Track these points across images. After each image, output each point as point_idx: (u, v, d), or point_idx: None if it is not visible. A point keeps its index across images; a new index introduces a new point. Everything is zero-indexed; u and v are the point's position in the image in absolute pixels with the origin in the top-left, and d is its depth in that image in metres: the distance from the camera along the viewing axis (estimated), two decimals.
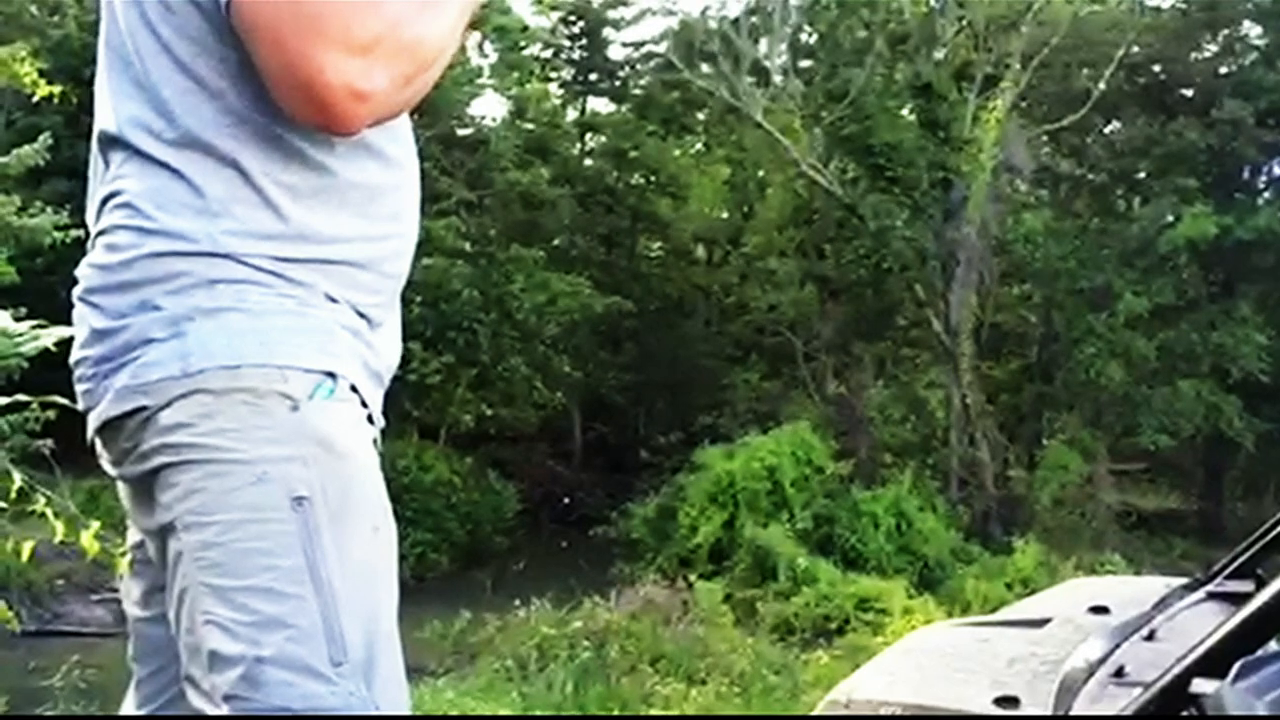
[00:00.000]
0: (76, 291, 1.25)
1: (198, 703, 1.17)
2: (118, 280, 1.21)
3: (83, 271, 1.25)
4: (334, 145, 1.24)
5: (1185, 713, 1.50)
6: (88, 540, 4.16)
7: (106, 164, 1.27)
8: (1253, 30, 19.51)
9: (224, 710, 1.13)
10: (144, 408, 1.18)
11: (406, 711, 1.22)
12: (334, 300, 1.25)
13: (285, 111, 1.18)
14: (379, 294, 1.31)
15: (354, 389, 1.24)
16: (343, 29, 1.12)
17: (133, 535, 1.37)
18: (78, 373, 1.25)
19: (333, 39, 1.11)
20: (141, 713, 1.36)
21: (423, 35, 1.18)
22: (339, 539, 1.16)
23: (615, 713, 9.32)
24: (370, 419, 1.29)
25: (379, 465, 1.29)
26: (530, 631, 10.65)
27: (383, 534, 1.23)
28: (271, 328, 1.19)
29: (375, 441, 1.31)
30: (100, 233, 1.25)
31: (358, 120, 1.16)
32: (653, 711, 9.29)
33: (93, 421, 1.23)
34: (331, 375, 1.21)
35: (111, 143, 1.25)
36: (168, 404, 1.17)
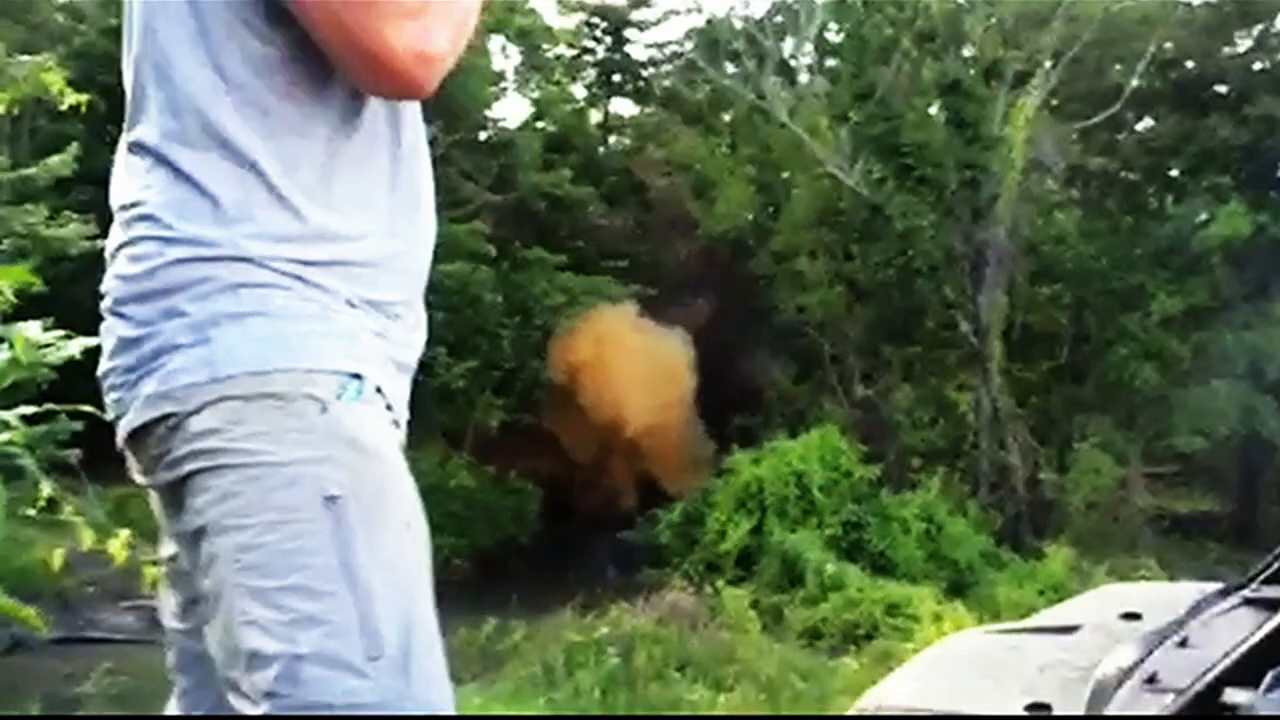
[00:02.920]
0: (104, 304, 1.28)
1: (238, 704, 1.19)
2: (143, 289, 1.23)
3: (108, 284, 1.28)
4: (350, 140, 1.27)
5: None
6: (116, 548, 4.19)
7: (130, 170, 1.29)
8: None
9: (264, 707, 1.16)
10: (173, 414, 1.20)
11: (449, 708, 1.24)
12: (354, 305, 1.27)
13: (360, 87, 1.23)
14: (400, 290, 1.34)
15: (379, 391, 1.27)
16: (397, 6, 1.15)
17: (166, 548, 1.39)
18: (107, 382, 1.28)
19: (387, 8, 1.15)
20: None
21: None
22: (372, 536, 1.19)
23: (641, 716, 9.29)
24: (396, 422, 1.31)
25: (406, 465, 1.31)
26: (557, 637, 10.66)
27: (415, 531, 1.26)
28: (295, 332, 1.22)
29: (401, 442, 1.34)
30: (123, 244, 1.27)
31: (428, 82, 1.21)
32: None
33: (122, 430, 1.26)
34: (357, 376, 1.24)
35: (135, 148, 1.28)
36: (197, 410, 1.19)
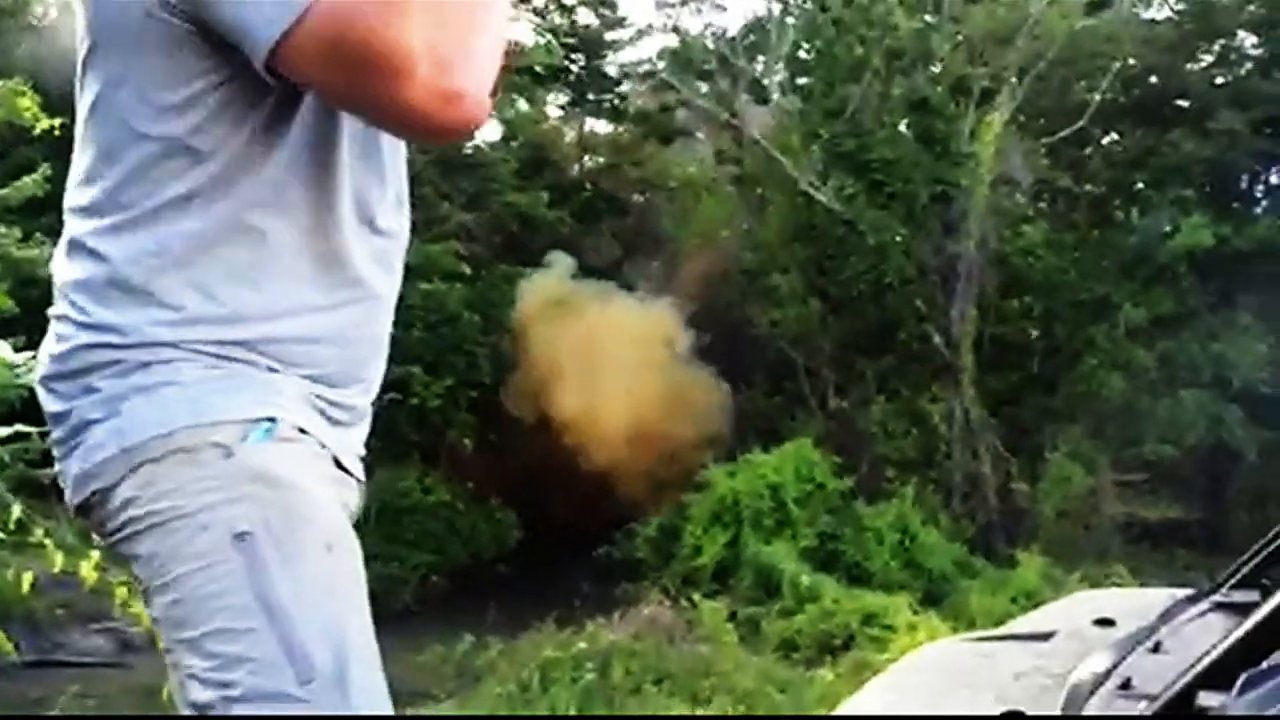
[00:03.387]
0: (36, 375, 1.31)
1: None
2: (65, 368, 1.26)
3: (40, 357, 1.31)
4: (284, 211, 1.23)
5: None
6: (87, 570, 4.15)
7: (65, 237, 1.31)
8: (1247, 40, 19.60)
9: None
10: (98, 490, 1.23)
11: (386, 711, 1.24)
12: (276, 370, 1.26)
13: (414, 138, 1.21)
14: (337, 363, 1.31)
15: (303, 431, 1.26)
16: (398, 56, 1.06)
17: None
18: (54, 453, 1.30)
19: (395, 69, 1.07)
20: None
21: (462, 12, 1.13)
22: (289, 565, 1.18)
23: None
24: (338, 462, 1.30)
25: (344, 494, 1.31)
26: (533, 654, 10.61)
27: (339, 552, 1.24)
28: (203, 391, 1.22)
29: (357, 481, 1.34)
30: (55, 317, 1.29)
31: (471, 119, 1.14)
32: None
33: (69, 504, 1.28)
34: (269, 419, 1.23)
35: (68, 213, 1.30)
36: (117, 483, 1.21)
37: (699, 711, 9.51)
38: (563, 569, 15.82)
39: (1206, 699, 1.34)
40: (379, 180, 1.33)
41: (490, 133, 20.46)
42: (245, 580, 1.17)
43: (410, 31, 1.06)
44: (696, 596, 13.08)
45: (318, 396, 1.29)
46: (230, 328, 1.24)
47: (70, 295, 1.25)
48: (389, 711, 1.23)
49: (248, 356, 1.25)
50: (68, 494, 1.26)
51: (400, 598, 14.18)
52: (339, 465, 1.31)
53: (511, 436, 17.85)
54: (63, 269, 1.29)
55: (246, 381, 1.24)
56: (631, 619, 11.65)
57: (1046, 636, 2.22)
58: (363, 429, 1.40)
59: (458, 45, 1.11)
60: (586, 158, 22.78)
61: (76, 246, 1.26)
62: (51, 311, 1.29)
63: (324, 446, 1.28)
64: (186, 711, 1.20)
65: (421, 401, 16.04)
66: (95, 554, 4.24)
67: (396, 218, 1.37)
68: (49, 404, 1.28)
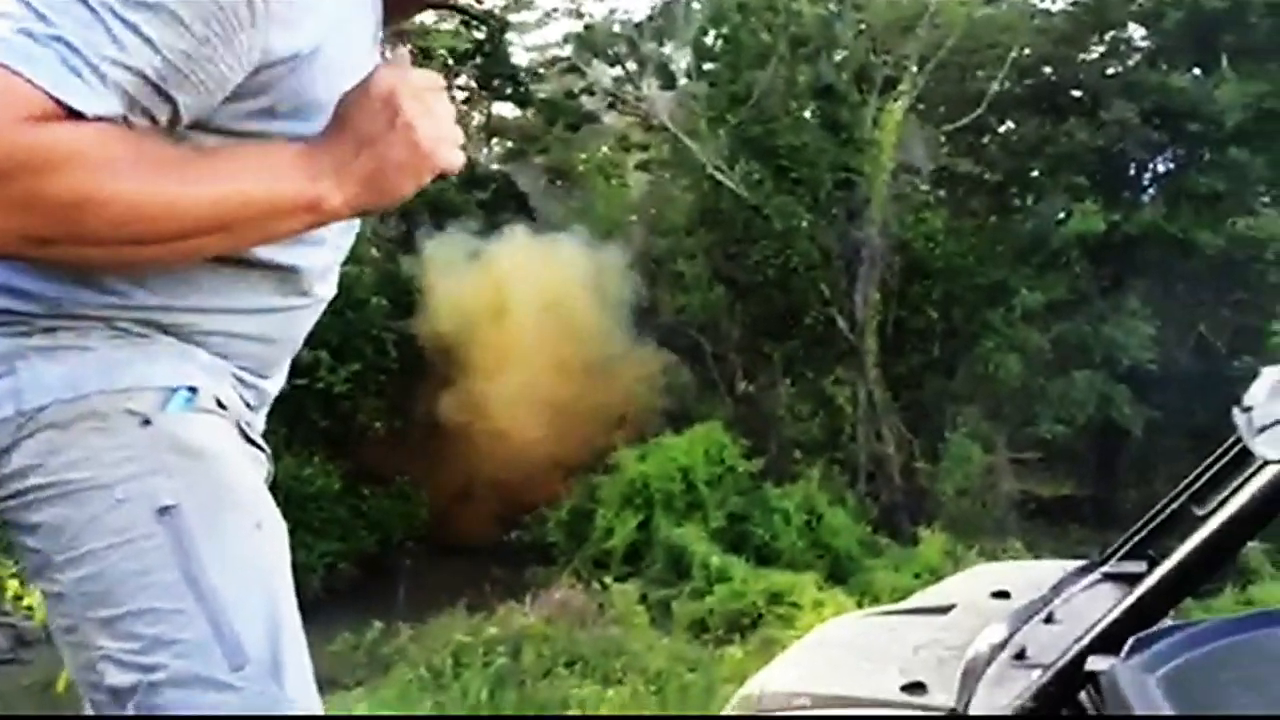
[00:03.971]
0: None
1: None
2: None
3: None
4: None
5: (1083, 690, 1.56)
6: None
7: None
8: (1137, 32, 20.26)
9: None
10: None
11: (319, 708, 1.18)
12: (187, 341, 1.19)
13: None
14: (260, 358, 1.26)
15: (221, 404, 1.19)
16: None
17: None
18: None
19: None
20: None
21: (100, 198, 0.99)
22: (217, 542, 1.11)
23: (530, 716, 9.28)
24: (250, 440, 1.24)
25: (260, 473, 1.24)
26: (444, 639, 10.55)
27: (267, 529, 1.17)
28: (114, 354, 1.13)
29: (264, 459, 1.27)
30: None
31: None
32: (570, 714, 9.28)
33: None
34: (189, 389, 1.15)
35: None
36: (10, 448, 1.11)
37: (610, 693, 9.57)
38: (473, 554, 15.75)
39: (1095, 663, 1.40)
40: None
41: None
42: (171, 557, 1.10)
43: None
44: (608, 579, 13.14)
45: (235, 377, 1.23)
46: (156, 313, 1.16)
47: None
48: (317, 699, 1.18)
49: (166, 337, 1.17)
50: None
51: (308, 585, 13.92)
52: (253, 442, 1.25)
53: (420, 422, 17.67)
54: None
55: (162, 350, 1.16)
56: (543, 602, 11.66)
57: (946, 610, 2.29)
58: (266, 409, 1.35)
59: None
60: (494, 142, 22.57)
61: None
62: None
63: (241, 421, 1.22)
64: (97, 695, 1.12)
65: (328, 387, 15.77)
66: None
67: (347, 235, 1.33)
68: None
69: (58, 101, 0.97)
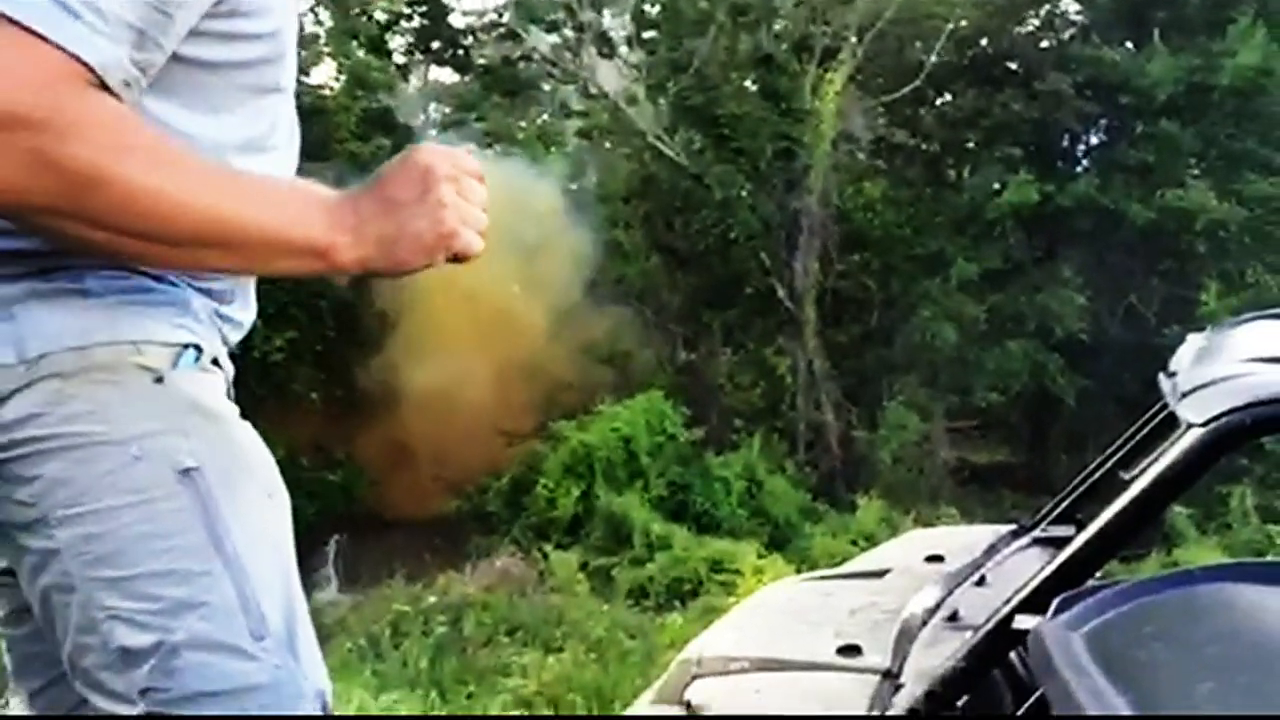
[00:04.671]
0: None
1: (109, 705, 1.09)
2: None
3: None
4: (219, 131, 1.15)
5: (1013, 651, 1.60)
6: None
7: None
8: (1071, 6, 20.53)
9: (141, 706, 1.06)
10: None
11: (328, 685, 1.16)
12: (177, 284, 1.16)
13: None
14: (231, 279, 1.23)
15: (216, 363, 1.18)
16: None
17: None
18: None
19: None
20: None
21: (112, 178, 0.99)
22: (236, 508, 1.10)
23: (472, 687, 9.30)
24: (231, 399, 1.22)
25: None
26: (384, 609, 10.53)
27: (278, 499, 1.17)
28: (119, 303, 1.10)
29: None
30: None
31: None
32: (510, 681, 9.31)
33: None
34: (193, 346, 1.14)
35: None
36: (7, 396, 1.06)
37: (550, 660, 9.62)
38: (412, 524, 15.68)
39: (1022, 622, 1.44)
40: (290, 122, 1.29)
41: (330, 79, 19.80)
42: (195, 519, 1.08)
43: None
44: (548, 548, 13.18)
45: (216, 314, 1.21)
46: None
47: None
48: (326, 678, 1.16)
49: (160, 284, 1.14)
50: None
51: None
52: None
53: (357, 391, 17.51)
54: None
55: (159, 297, 1.13)
56: (483, 571, 11.68)
57: (881, 574, 2.33)
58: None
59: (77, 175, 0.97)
60: (431, 107, 22.26)
61: None
62: None
63: (228, 382, 1.21)
64: (99, 657, 1.08)
65: (263, 356, 15.55)
66: None
67: (289, 144, 1.33)
68: None
69: (84, 64, 0.97)
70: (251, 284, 1.32)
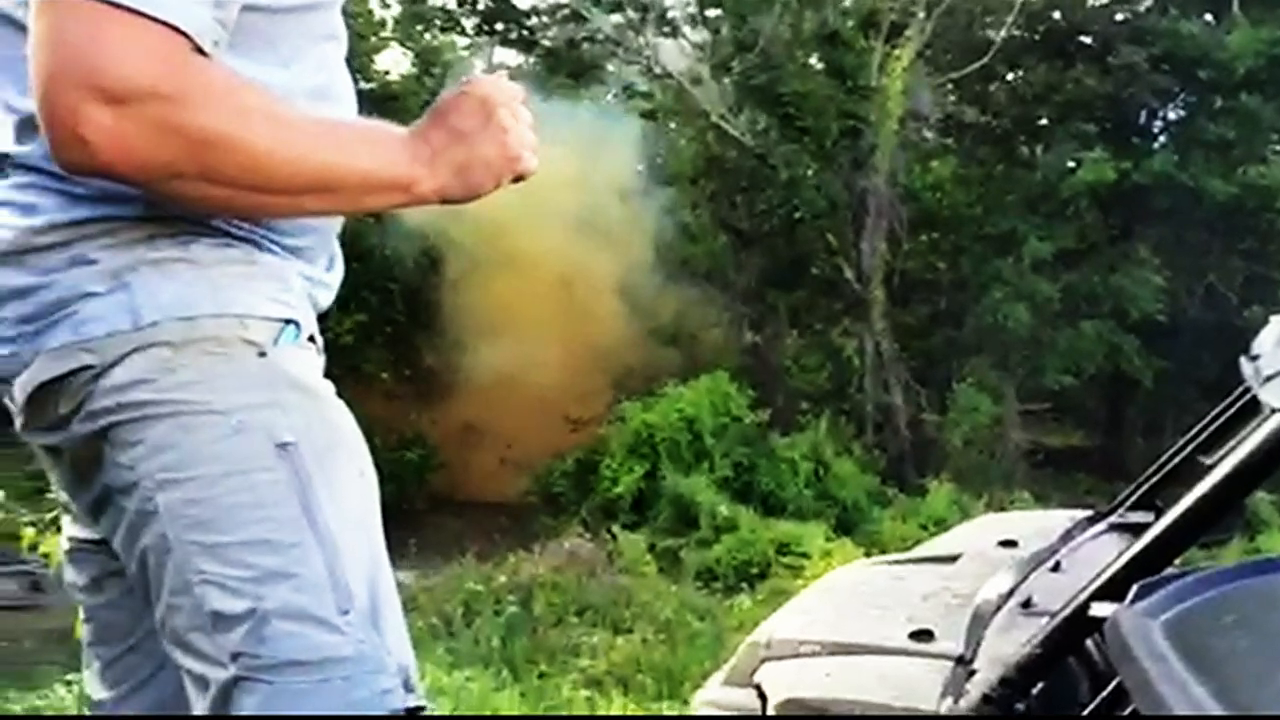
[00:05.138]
0: None
1: (196, 666, 1.12)
2: (43, 241, 1.13)
3: None
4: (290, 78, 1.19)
5: (1089, 639, 1.58)
6: None
7: (6, 111, 1.16)
8: None
9: (232, 670, 1.09)
10: (89, 366, 1.11)
11: (413, 660, 1.19)
12: (274, 251, 1.21)
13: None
14: (314, 233, 1.28)
15: (312, 339, 1.23)
16: (95, 72, 1.00)
17: (72, 528, 1.31)
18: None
19: (85, 80, 1.00)
20: (118, 691, 1.31)
21: (234, 139, 1.05)
22: (330, 484, 1.14)
23: (543, 666, 9.41)
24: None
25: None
26: (456, 588, 10.67)
27: (368, 477, 1.21)
28: (223, 274, 1.15)
29: None
30: (14, 201, 1.15)
31: (76, 163, 1.04)
32: (580, 661, 9.40)
33: (21, 386, 1.15)
34: (291, 322, 1.18)
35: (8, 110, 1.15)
36: (119, 360, 1.11)
37: (620, 641, 9.69)
38: (481, 504, 15.87)
39: (1098, 609, 1.42)
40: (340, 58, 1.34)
41: (402, 64, 19.99)
42: (290, 492, 1.11)
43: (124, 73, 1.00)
44: (615, 529, 13.25)
45: (306, 279, 1.25)
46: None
47: (45, 165, 1.11)
48: (410, 651, 1.19)
49: (251, 232, 1.18)
50: (33, 370, 1.12)
51: None
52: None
53: (427, 372, 17.73)
54: (21, 138, 1.15)
55: (260, 270, 1.18)
56: (552, 552, 11.77)
57: (953, 559, 2.31)
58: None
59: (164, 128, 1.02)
60: None
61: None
62: (5, 186, 1.15)
63: (321, 355, 1.25)
64: (187, 619, 1.11)
65: (335, 337, 15.82)
66: None
67: (349, 95, 1.37)
68: (9, 277, 1.13)
69: (182, 34, 1.03)
70: (336, 244, 1.36)
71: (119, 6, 1.00)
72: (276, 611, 1.09)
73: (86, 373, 1.12)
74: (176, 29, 1.02)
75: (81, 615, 1.35)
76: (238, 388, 1.13)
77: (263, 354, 1.15)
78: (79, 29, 1.00)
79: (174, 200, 1.10)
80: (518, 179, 1.26)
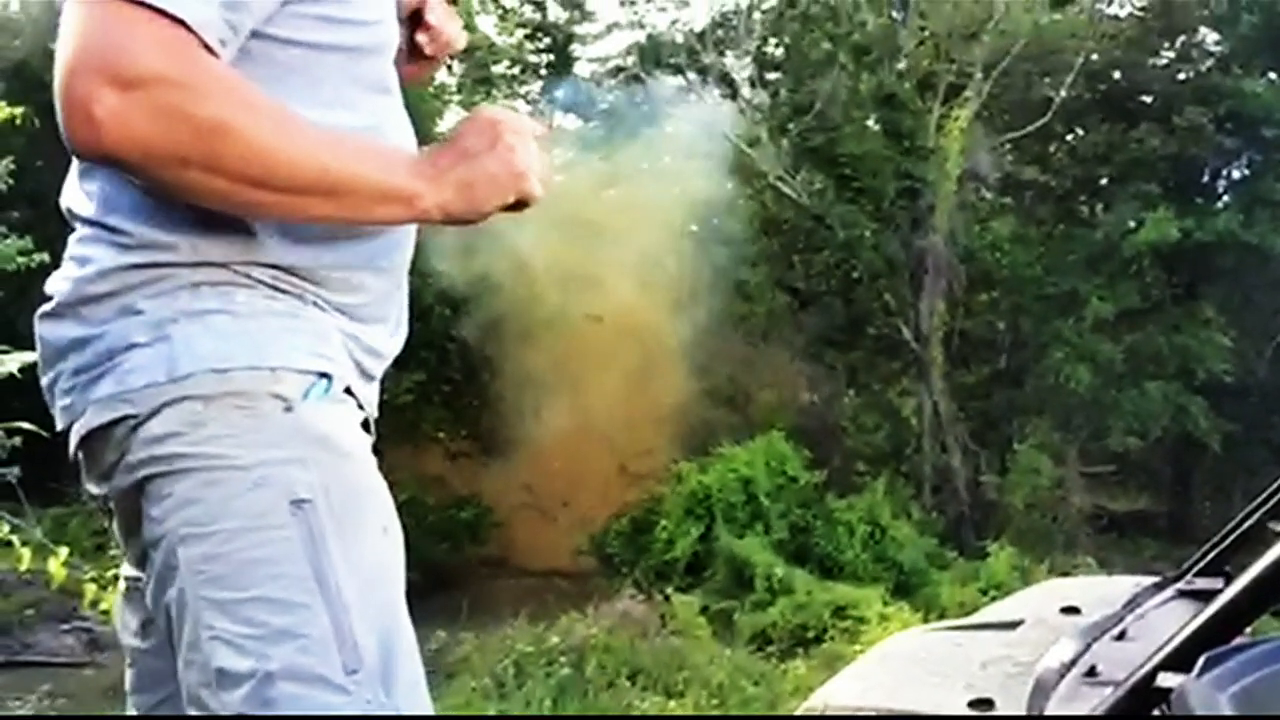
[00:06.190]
0: (46, 307, 1.22)
1: None
2: (95, 291, 1.17)
3: (55, 285, 1.22)
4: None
5: (1156, 710, 1.53)
6: (55, 568, 4.12)
7: (81, 175, 1.24)
8: (1209, 36, 19.82)
9: None
10: (129, 416, 1.14)
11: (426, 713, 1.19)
12: (323, 308, 1.23)
13: None
14: (374, 291, 1.29)
15: (349, 392, 1.23)
16: (108, 59, 1.04)
17: (125, 566, 1.34)
18: (56, 387, 1.21)
19: (98, 67, 1.04)
20: None
21: (240, 130, 1.08)
22: (346, 542, 1.14)
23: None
24: (367, 426, 1.27)
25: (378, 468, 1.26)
26: (507, 649, 10.61)
27: (392, 535, 1.21)
28: (262, 328, 1.17)
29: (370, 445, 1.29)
30: (73, 252, 1.21)
31: (85, 145, 1.06)
32: None
33: (75, 436, 1.19)
34: (325, 376, 1.19)
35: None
36: (155, 412, 1.13)
37: (672, 705, 9.55)
38: (536, 563, 15.82)
39: (1166, 680, 1.37)
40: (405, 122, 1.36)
41: None
42: (302, 550, 1.11)
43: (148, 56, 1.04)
44: (669, 590, 13.12)
45: (354, 340, 1.26)
46: (275, 250, 1.20)
47: (103, 219, 1.18)
48: (429, 705, 1.19)
49: (297, 287, 1.20)
50: (85, 419, 1.16)
51: None
52: (366, 428, 1.27)
53: (482, 430, 17.82)
54: (79, 194, 1.22)
55: (301, 324, 1.20)
56: (605, 613, 11.67)
57: (1014, 625, 2.25)
58: (378, 383, 1.37)
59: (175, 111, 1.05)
60: (555, 152, 22.73)
61: (109, 171, 1.18)
62: (70, 247, 1.21)
63: (362, 409, 1.25)
64: (197, 675, 1.13)
65: (392, 398, 15.99)
66: (63, 551, 4.21)
67: (409, 141, 1.40)
68: (69, 329, 1.18)
69: (187, 28, 1.07)
70: (401, 311, 1.37)
71: (131, 2, 1.05)
72: (281, 672, 1.09)
73: (127, 423, 1.15)
74: (184, 24, 1.06)
75: (127, 661, 1.37)
76: (261, 443, 1.14)
77: (289, 409, 1.16)
78: (94, 24, 1.05)
79: (177, 193, 1.12)
80: (522, 204, 1.27)
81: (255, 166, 1.09)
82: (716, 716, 9.33)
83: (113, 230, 1.18)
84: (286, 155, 1.11)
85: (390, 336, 1.35)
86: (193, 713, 1.15)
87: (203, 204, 1.14)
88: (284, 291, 1.20)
